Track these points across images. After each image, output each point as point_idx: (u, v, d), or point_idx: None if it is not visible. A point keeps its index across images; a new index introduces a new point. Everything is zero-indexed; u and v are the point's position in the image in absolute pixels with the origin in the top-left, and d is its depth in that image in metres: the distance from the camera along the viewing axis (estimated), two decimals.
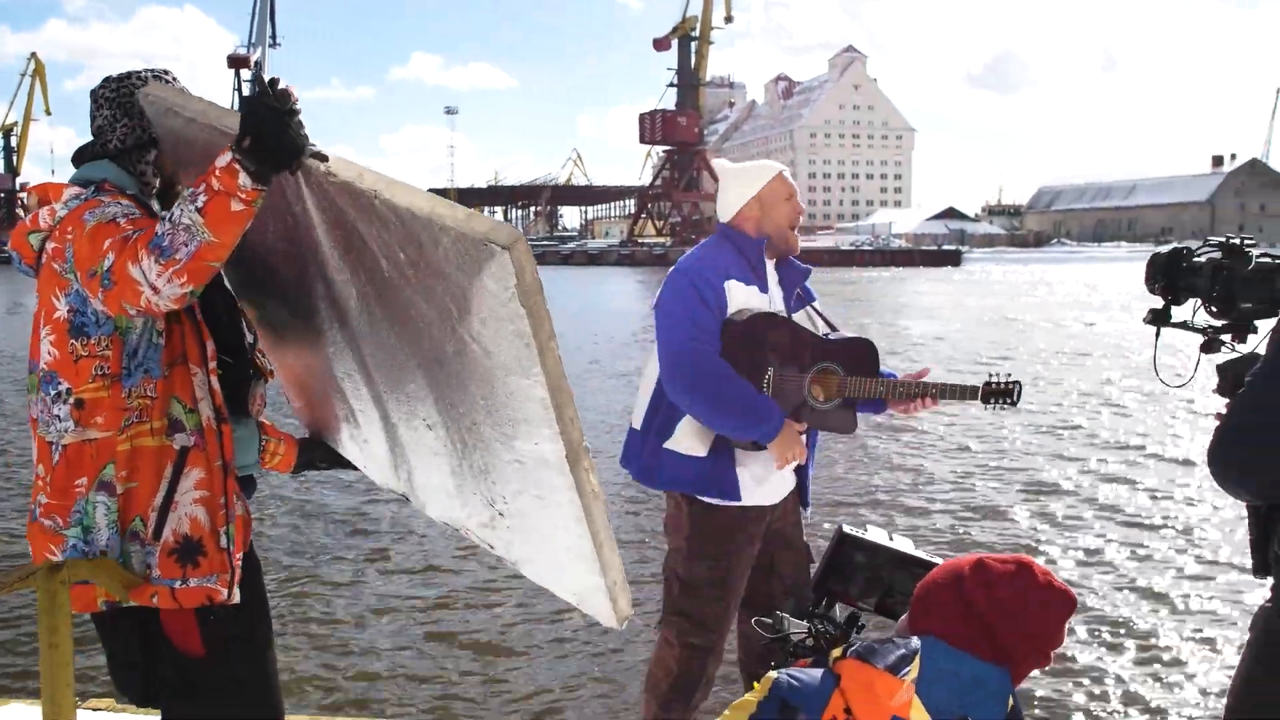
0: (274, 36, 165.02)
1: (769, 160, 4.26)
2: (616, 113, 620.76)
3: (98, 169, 2.96)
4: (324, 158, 2.42)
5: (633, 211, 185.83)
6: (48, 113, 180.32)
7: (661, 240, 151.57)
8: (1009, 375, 4.15)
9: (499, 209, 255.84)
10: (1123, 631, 7.98)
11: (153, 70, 3.04)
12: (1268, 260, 2.65)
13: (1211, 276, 2.67)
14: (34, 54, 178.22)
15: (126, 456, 2.77)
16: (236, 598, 2.90)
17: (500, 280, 2.11)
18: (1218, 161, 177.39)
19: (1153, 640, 7.81)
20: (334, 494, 12.21)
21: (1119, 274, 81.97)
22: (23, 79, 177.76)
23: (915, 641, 2.06)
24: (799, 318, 4.16)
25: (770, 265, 4.14)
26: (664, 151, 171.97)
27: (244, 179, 2.42)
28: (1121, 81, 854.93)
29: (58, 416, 2.78)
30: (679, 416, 3.98)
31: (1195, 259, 2.76)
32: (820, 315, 4.27)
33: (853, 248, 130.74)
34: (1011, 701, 2.01)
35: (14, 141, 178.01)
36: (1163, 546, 10.28)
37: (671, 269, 4.08)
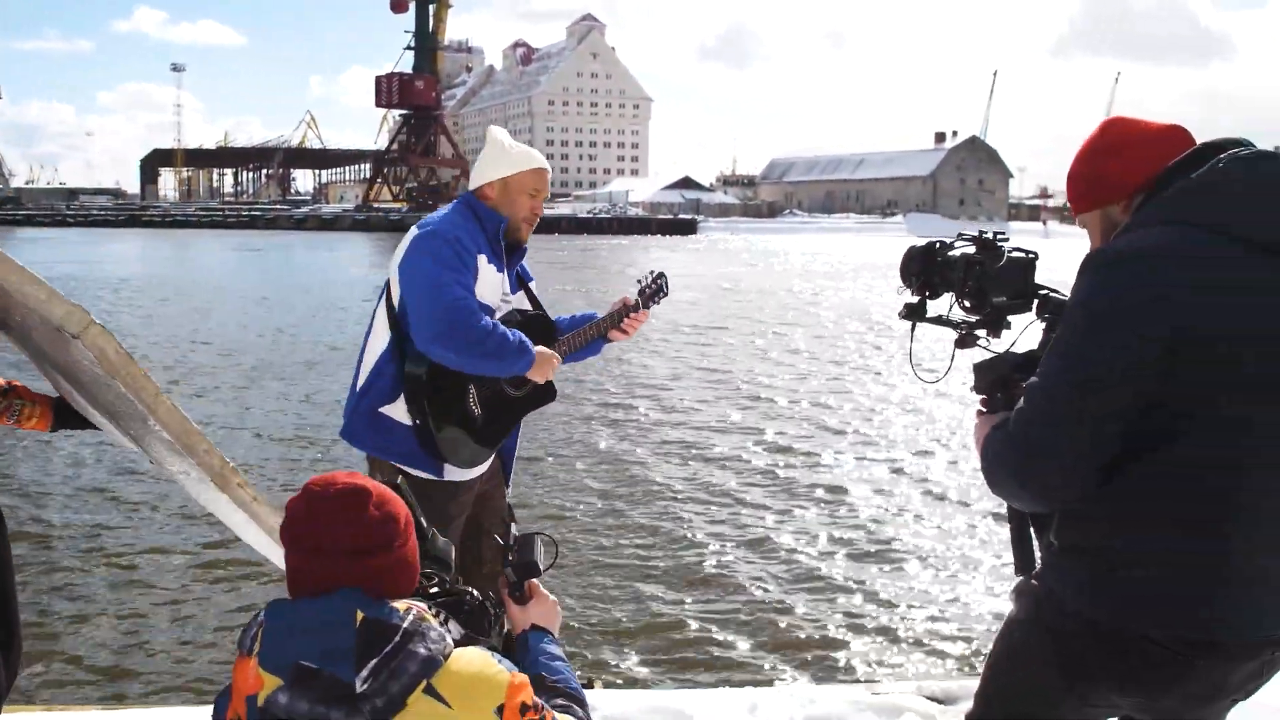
0: None
1: (539, 154, 4.24)
2: (351, 75, 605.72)
3: None
4: None
5: (369, 176, 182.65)
6: None
7: (398, 205, 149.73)
8: (652, 272, 4.56)
9: (229, 171, 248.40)
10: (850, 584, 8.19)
11: None
12: (1019, 255, 2.68)
13: (965, 271, 2.68)
14: None
15: None
16: None
17: (87, 361, 2.29)
18: (940, 138, 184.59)
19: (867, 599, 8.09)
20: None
21: (847, 244, 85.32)
22: None
23: (262, 614, 2.00)
24: (519, 299, 4.25)
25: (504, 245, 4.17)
26: (401, 115, 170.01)
27: None
28: (849, 59, 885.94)
29: None
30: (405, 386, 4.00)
31: (950, 253, 2.75)
32: (531, 297, 4.35)
33: (590, 215, 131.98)
34: (362, 615, 1.91)
35: None
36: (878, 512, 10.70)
37: (420, 232, 4.00)
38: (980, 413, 2.66)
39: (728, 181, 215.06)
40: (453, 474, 4.07)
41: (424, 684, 1.92)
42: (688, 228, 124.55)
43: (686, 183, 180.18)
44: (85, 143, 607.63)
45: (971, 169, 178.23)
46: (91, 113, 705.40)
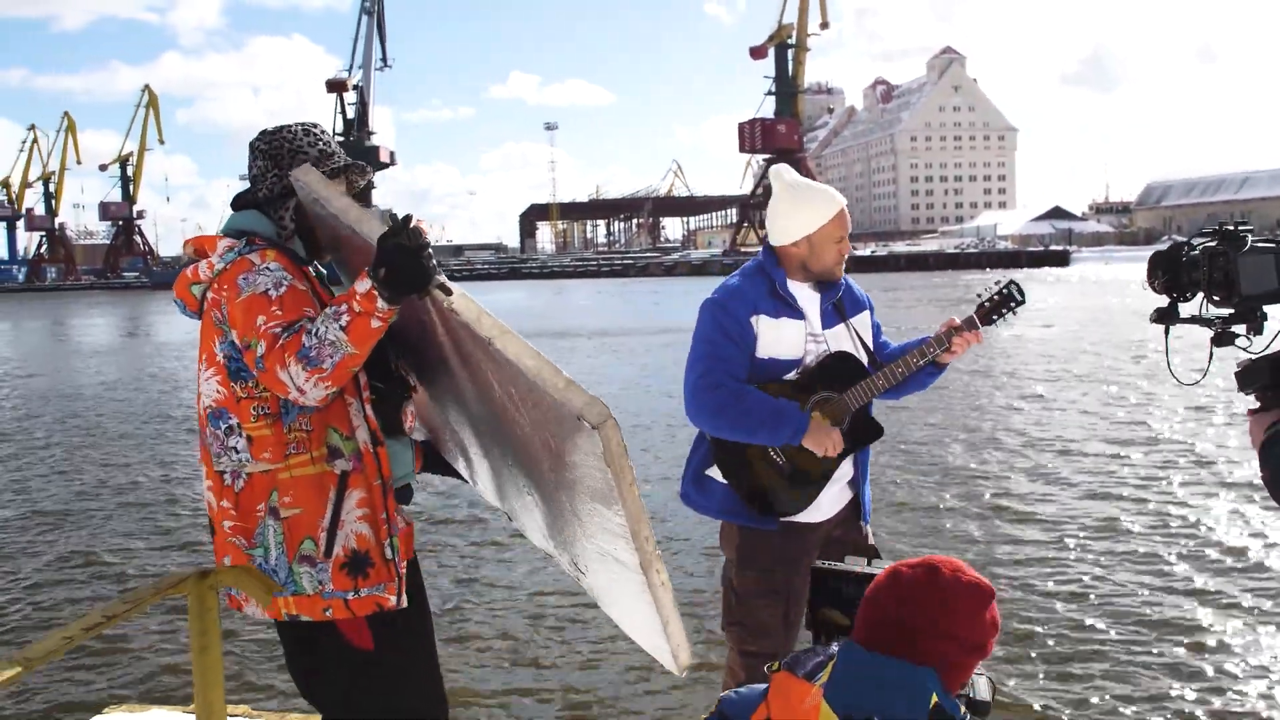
0: (384, 58, 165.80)
1: (829, 190, 4.11)
2: (714, 123, 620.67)
3: (247, 219, 3.20)
4: (448, 291, 2.68)
5: (735, 221, 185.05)
6: (161, 142, 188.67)
7: None
8: (997, 283, 4.11)
9: (601, 221, 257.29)
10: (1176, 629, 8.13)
11: (303, 125, 3.28)
12: (1267, 244, 2.59)
13: (1209, 263, 2.60)
14: (147, 86, 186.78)
15: (289, 484, 2.99)
16: (404, 603, 3.11)
17: (590, 448, 2.32)
18: None
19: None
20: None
21: None
22: (137, 110, 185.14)
23: (834, 648, 2.17)
24: (836, 334, 4.10)
25: (805, 285, 4.09)
26: (764, 159, 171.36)
27: (381, 303, 2.74)
28: (1223, 73, 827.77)
29: (234, 449, 3.02)
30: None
31: (1193, 251, 2.66)
32: (856, 333, 4.17)
33: (958, 250, 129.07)
34: (935, 700, 2.03)
35: (130, 171, 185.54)
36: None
37: (705, 300, 4.09)
38: (1252, 411, 2.60)
39: (1100, 209, 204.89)
40: (791, 518, 4.04)
41: None
42: (1059, 259, 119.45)
43: (1057, 213, 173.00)
44: (469, 202, 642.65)
45: None
46: (474, 173, 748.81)
